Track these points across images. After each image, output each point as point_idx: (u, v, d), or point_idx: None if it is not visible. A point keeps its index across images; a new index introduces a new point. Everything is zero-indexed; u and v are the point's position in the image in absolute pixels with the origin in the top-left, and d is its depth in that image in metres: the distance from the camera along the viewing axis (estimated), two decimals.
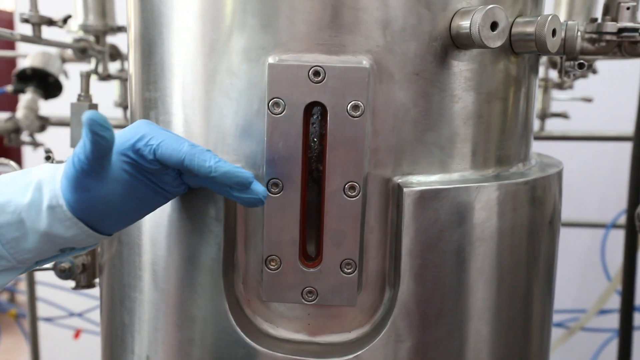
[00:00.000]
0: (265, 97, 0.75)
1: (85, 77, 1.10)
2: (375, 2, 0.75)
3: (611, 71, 2.36)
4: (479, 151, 0.83)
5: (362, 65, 0.74)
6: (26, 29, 1.59)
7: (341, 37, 0.75)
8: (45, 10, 1.63)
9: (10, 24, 3.92)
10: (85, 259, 1.10)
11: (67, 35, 2.03)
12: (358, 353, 0.79)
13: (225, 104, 0.79)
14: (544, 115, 2.33)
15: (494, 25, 0.72)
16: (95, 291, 1.07)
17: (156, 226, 0.85)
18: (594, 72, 2.08)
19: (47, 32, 1.65)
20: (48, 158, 1.01)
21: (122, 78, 2.19)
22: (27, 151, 3.49)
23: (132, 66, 0.91)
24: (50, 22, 1.65)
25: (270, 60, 0.75)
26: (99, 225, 0.75)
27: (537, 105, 2.29)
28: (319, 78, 0.74)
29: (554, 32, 0.78)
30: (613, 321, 2.34)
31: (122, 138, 0.73)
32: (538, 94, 2.29)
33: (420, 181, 0.79)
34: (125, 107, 2.36)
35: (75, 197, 0.71)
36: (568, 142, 2.51)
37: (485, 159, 0.84)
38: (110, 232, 0.77)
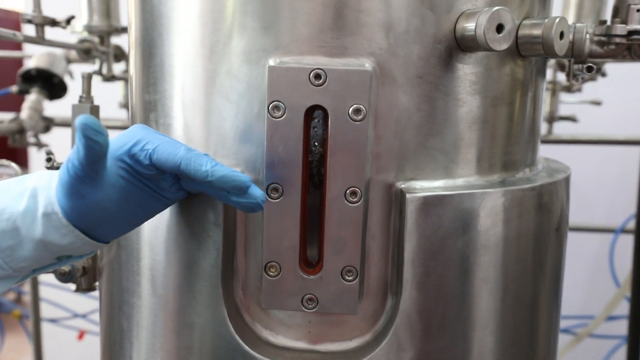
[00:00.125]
0: (265, 100, 0.74)
1: (87, 79, 1.09)
2: (378, 4, 0.73)
3: (620, 74, 2.34)
4: (484, 156, 0.81)
5: (364, 68, 0.73)
6: (31, 30, 1.59)
7: (343, 39, 0.73)
8: (51, 11, 1.62)
9: (18, 25, 3.93)
10: (85, 262, 1.09)
11: (71, 36, 2.03)
12: None
13: (225, 106, 0.77)
14: (552, 119, 2.32)
15: (499, 28, 0.71)
16: None
17: (155, 231, 0.83)
18: (603, 75, 2.06)
19: (52, 33, 1.65)
20: (49, 160, 1.00)
21: (127, 79, 2.18)
22: (33, 152, 3.49)
23: (132, 68, 0.90)
24: (54, 23, 1.64)
25: (271, 62, 0.74)
26: (95, 233, 0.74)
27: (545, 108, 2.28)
28: (320, 81, 0.72)
29: (561, 35, 0.76)
30: (622, 328, 2.32)
31: (117, 143, 0.72)
32: (546, 97, 2.27)
33: (424, 187, 0.77)
34: None
35: (70, 203, 0.70)
36: (576, 145, 2.49)
37: (491, 164, 0.82)
38: (107, 240, 0.76)
